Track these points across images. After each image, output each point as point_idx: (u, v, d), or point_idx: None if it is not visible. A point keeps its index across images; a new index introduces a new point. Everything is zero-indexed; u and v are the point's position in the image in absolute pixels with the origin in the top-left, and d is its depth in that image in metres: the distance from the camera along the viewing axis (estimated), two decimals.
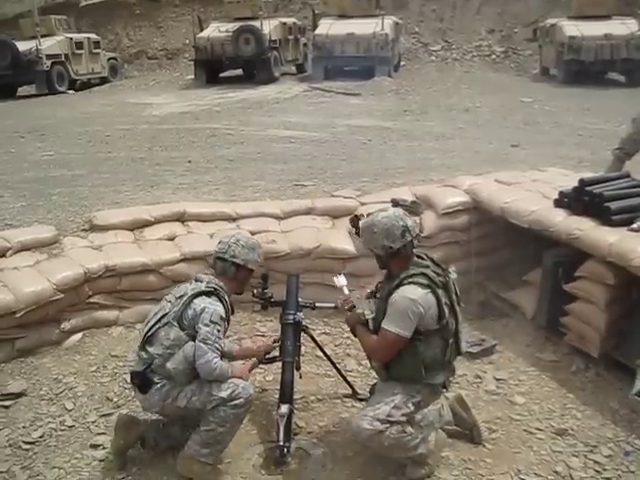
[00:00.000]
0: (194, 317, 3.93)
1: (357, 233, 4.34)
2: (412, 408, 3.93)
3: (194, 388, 3.95)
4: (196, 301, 3.98)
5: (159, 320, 3.99)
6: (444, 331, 3.89)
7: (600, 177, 6.15)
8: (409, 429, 3.91)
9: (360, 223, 4.24)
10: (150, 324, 4.02)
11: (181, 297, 4.02)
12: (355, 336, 4.22)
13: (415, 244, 3.99)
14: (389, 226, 3.89)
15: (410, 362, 3.86)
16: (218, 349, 3.91)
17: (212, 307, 3.96)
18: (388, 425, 3.81)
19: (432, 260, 4.05)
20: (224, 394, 3.93)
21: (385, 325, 3.83)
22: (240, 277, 4.29)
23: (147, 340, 4.00)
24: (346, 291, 4.49)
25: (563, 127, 13.73)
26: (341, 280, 4.60)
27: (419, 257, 4.04)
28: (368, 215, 4.37)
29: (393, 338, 3.80)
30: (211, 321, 3.91)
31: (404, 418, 3.88)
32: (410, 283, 3.83)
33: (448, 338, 3.93)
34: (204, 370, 3.88)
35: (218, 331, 3.92)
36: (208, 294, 4.04)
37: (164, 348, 3.93)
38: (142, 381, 3.98)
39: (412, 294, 3.79)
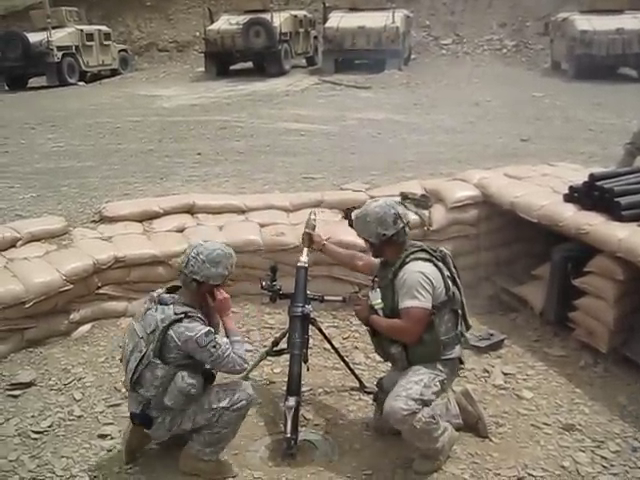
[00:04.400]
0: (179, 347, 3.78)
1: (350, 224, 4.41)
2: (439, 387, 4.01)
3: (195, 409, 3.92)
4: (171, 332, 3.78)
5: (139, 362, 3.83)
6: (452, 302, 4.02)
7: (610, 172, 6.13)
8: (437, 417, 3.97)
9: (352, 214, 4.35)
10: (132, 366, 3.87)
11: (153, 332, 3.81)
12: (369, 326, 4.21)
13: (407, 232, 4.10)
14: (382, 214, 4.02)
15: (429, 340, 3.95)
16: (228, 354, 3.82)
17: (191, 334, 3.76)
18: (421, 406, 3.85)
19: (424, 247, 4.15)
20: (225, 403, 3.91)
21: (405, 304, 3.89)
22: (203, 291, 3.98)
23: (135, 382, 3.89)
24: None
25: (574, 122, 13.66)
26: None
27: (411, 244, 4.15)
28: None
29: (418, 313, 3.86)
30: (201, 347, 3.76)
31: (434, 397, 3.98)
32: (413, 260, 3.97)
33: (457, 309, 4.07)
34: (234, 373, 3.97)
35: (214, 347, 3.78)
36: (180, 320, 3.81)
37: (155, 388, 3.84)
38: (143, 420, 3.94)
39: (419, 267, 3.92)
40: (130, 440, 4.15)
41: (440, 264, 4.02)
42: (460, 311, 4.12)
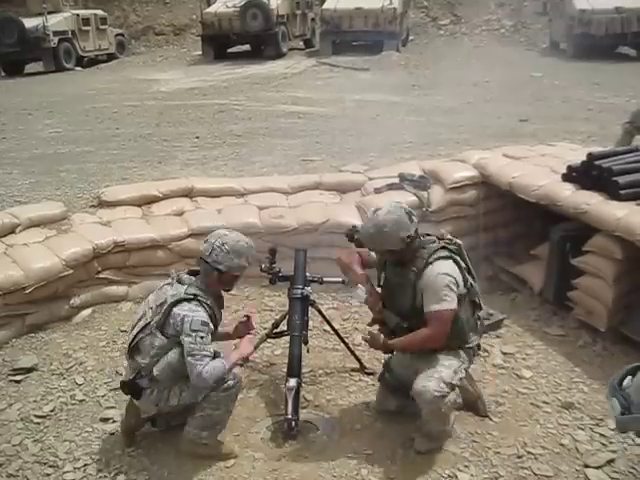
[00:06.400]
0: (175, 326, 3.82)
1: (359, 245, 4.29)
2: (464, 374, 4.06)
3: (182, 385, 3.94)
4: (175, 309, 3.83)
5: (142, 329, 3.92)
6: (471, 293, 4.02)
7: (609, 151, 6.12)
8: (457, 402, 4.05)
9: (359, 234, 4.20)
10: (134, 332, 3.96)
11: (161, 305, 3.88)
12: (392, 352, 4.22)
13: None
14: (397, 218, 3.87)
15: (455, 330, 3.94)
16: (206, 356, 3.80)
17: (191, 315, 3.80)
18: (450, 390, 3.88)
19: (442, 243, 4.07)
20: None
21: (434, 307, 3.84)
22: (224, 280, 4.03)
23: (134, 348, 3.95)
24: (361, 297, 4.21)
25: (572, 102, 13.64)
26: (360, 294, 4.20)
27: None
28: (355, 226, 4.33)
29: (447, 315, 3.84)
30: (192, 330, 3.77)
31: (459, 383, 4.01)
32: (436, 259, 3.89)
33: (475, 299, 4.07)
34: (199, 384, 3.81)
35: (202, 338, 3.78)
36: (188, 300, 3.87)
37: (150, 357, 3.89)
38: (131, 390, 3.98)
39: (445, 269, 3.86)
40: (128, 419, 4.17)
41: (458, 258, 3.98)
42: (477, 299, 4.11)
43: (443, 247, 3.96)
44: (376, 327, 4.22)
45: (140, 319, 3.98)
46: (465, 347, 4.05)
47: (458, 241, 4.10)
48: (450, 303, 3.83)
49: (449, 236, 4.13)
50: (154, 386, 3.94)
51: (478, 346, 4.20)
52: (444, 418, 3.98)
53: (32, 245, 5.85)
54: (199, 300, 3.87)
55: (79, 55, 23.66)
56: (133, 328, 4.01)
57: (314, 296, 4.78)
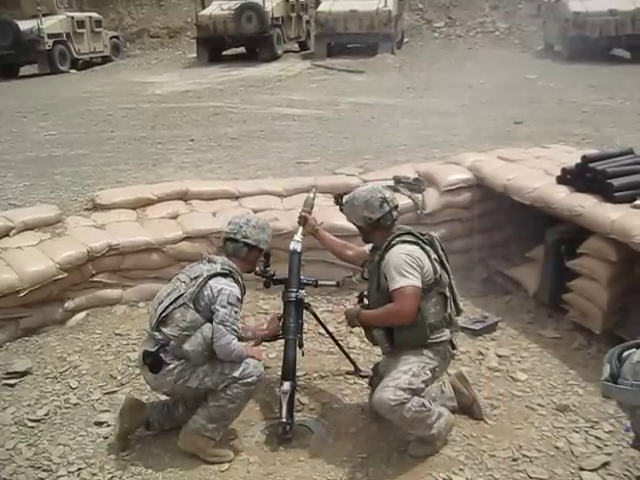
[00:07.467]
0: (210, 298, 3.95)
1: (341, 210, 4.43)
2: (430, 375, 3.99)
3: (206, 369, 3.99)
4: (212, 282, 3.98)
5: (174, 301, 3.97)
6: (439, 285, 4.01)
7: (603, 154, 6.13)
8: (428, 404, 3.95)
9: (343, 199, 4.42)
10: (164, 304, 4.00)
11: (196, 278, 4.01)
12: (362, 326, 4.23)
13: (395, 216, 4.14)
14: (368, 198, 4.10)
15: (416, 322, 3.91)
16: (235, 330, 3.96)
17: (229, 288, 3.97)
18: (410, 395, 3.83)
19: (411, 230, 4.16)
20: (236, 373, 3.98)
21: (395, 285, 3.86)
22: (251, 257, 4.33)
23: (161, 321, 3.99)
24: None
25: (567, 104, 13.63)
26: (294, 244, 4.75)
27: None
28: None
29: (410, 291, 3.84)
30: (228, 303, 3.93)
31: (424, 385, 3.95)
32: (399, 242, 3.98)
33: (444, 292, 4.04)
34: (223, 352, 3.93)
35: (235, 312, 3.96)
36: (224, 275, 4.04)
37: (180, 330, 3.93)
38: (154, 361, 3.97)
39: (405, 249, 3.93)
40: (121, 423, 4.17)
41: (427, 247, 4.02)
42: (449, 294, 4.08)
43: (410, 233, 4.06)
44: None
45: (170, 293, 4.04)
46: (431, 344, 3.99)
47: (432, 233, 4.19)
48: (413, 280, 3.84)
49: (429, 232, 4.23)
50: (179, 362, 3.97)
51: (452, 344, 4.14)
52: (416, 424, 3.92)
53: (26, 248, 5.84)
54: (234, 276, 4.07)
55: (74, 58, 23.56)
56: (160, 302, 4.04)
57: (309, 299, 4.78)
